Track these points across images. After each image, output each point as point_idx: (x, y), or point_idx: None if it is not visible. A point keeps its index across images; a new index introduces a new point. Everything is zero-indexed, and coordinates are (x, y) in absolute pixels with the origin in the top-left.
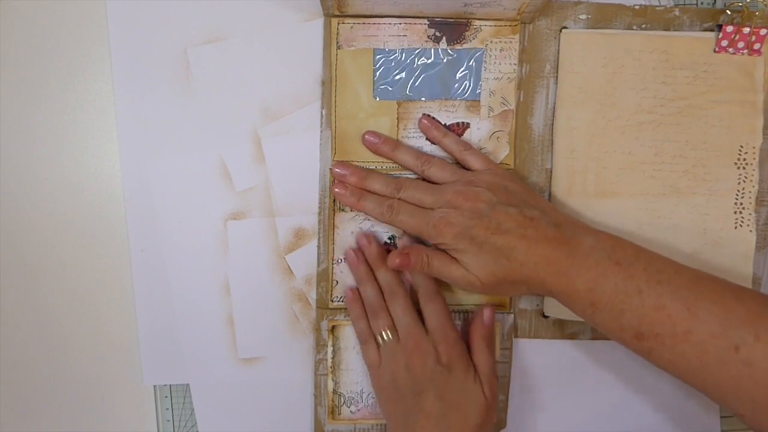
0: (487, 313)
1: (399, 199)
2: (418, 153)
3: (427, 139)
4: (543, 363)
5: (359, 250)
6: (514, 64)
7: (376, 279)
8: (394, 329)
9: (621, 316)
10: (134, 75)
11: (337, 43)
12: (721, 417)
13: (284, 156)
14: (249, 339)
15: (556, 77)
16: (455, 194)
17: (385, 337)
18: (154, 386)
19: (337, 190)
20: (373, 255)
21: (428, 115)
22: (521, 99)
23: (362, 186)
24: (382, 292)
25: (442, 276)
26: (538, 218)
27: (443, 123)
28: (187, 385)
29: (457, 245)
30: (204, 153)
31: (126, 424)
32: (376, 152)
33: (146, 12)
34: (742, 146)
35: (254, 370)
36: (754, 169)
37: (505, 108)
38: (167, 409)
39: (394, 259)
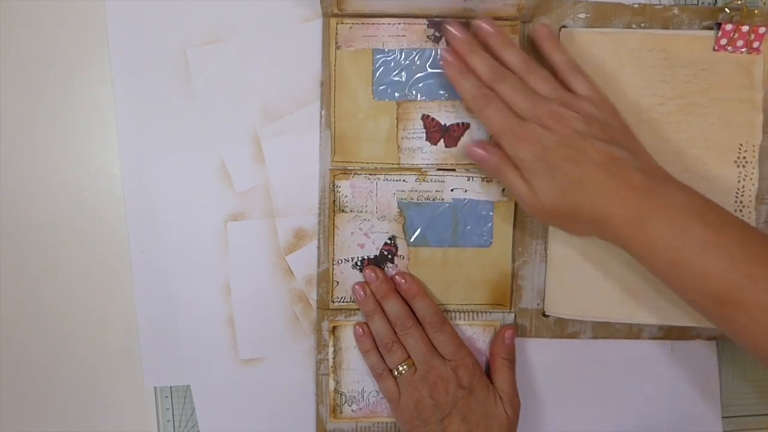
0: (508, 334)
1: (494, 90)
2: (527, 59)
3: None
4: (544, 362)
5: (365, 284)
6: None
7: (383, 311)
8: (410, 361)
9: (704, 279)
10: (134, 76)
11: (336, 43)
12: (723, 417)
13: (284, 156)
14: (250, 340)
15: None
16: (548, 113)
17: (402, 370)
18: (155, 387)
19: (445, 56)
20: (381, 288)
21: (545, 25)
22: None
23: (467, 59)
24: (390, 324)
25: (508, 187)
26: (626, 160)
27: (443, 123)
28: (188, 385)
29: (531, 165)
30: (204, 154)
31: (126, 425)
32: (486, 42)
33: (146, 12)
34: (741, 144)
35: (255, 371)
36: (753, 167)
37: None
38: (167, 409)
39: (473, 148)
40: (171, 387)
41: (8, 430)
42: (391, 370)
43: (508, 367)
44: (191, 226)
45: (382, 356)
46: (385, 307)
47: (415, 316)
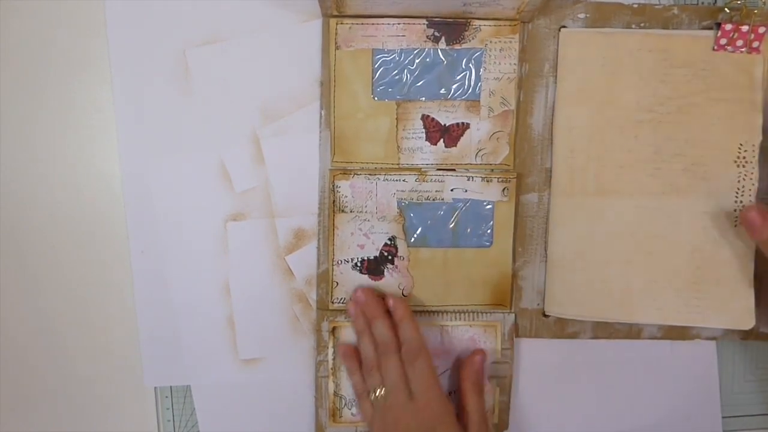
0: (477, 359)
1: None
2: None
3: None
4: (544, 362)
5: (355, 303)
6: (514, 63)
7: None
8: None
9: None
10: (133, 76)
11: (336, 43)
12: (723, 417)
13: (283, 157)
14: (249, 340)
15: (555, 76)
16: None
17: (378, 395)
18: (155, 387)
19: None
20: (368, 309)
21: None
22: (521, 98)
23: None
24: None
25: None
26: None
27: (443, 123)
28: (188, 385)
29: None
30: (203, 154)
31: (126, 425)
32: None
33: (145, 13)
34: (741, 144)
35: (255, 371)
36: (753, 167)
37: (505, 108)
38: (167, 409)
39: None
40: (171, 387)
41: (8, 430)
42: (369, 393)
43: (477, 392)
44: (191, 226)
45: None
46: (373, 329)
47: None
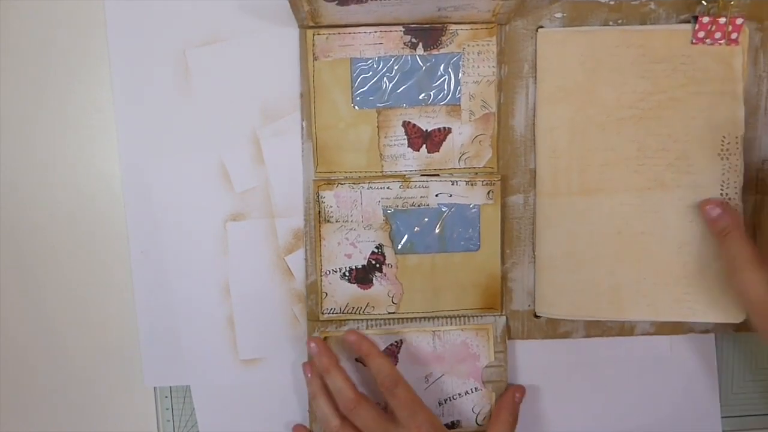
0: (519, 396)
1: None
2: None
3: None
4: (538, 363)
5: (311, 362)
6: (493, 66)
7: (326, 391)
8: None
9: None
10: (133, 76)
11: (314, 54)
12: (723, 417)
13: (283, 157)
14: (249, 340)
15: (535, 77)
16: None
17: None
18: (155, 387)
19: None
20: (321, 362)
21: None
22: (501, 101)
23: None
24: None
25: None
26: None
27: (424, 129)
28: (188, 385)
29: None
30: (203, 154)
31: (126, 425)
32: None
33: (145, 13)
34: (724, 137)
35: (255, 371)
36: (737, 159)
37: (486, 111)
38: (167, 409)
39: None
40: (171, 387)
41: (8, 430)
42: None
43: (510, 423)
44: (191, 226)
45: None
46: (328, 384)
47: (366, 382)
